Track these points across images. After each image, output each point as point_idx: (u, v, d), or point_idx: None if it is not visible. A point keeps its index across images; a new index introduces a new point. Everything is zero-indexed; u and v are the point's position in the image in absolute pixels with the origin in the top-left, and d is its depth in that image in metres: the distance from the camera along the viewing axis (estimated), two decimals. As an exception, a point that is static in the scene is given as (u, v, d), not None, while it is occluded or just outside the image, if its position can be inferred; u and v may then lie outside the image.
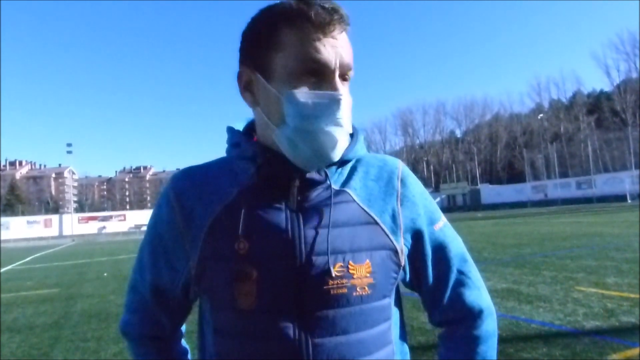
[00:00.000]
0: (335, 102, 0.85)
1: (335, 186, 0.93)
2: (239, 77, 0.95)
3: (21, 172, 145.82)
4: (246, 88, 0.94)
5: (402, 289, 1.03)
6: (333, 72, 0.86)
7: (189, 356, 1.13)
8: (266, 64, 0.89)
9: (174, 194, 0.96)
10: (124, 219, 66.24)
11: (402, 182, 0.97)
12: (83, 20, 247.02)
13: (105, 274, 13.37)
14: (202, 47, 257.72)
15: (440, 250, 0.99)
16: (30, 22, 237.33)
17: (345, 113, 0.86)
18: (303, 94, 0.85)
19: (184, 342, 1.13)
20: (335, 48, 0.86)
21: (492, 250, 12.75)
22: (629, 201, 46.87)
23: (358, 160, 0.98)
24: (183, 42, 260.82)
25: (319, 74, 0.86)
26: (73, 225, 63.11)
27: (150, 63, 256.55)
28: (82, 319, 7.30)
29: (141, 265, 1.03)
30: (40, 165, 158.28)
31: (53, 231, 61.63)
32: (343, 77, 0.89)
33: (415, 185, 1.00)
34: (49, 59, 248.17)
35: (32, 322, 7.28)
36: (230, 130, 1.00)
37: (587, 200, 54.18)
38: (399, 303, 1.00)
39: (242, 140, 0.95)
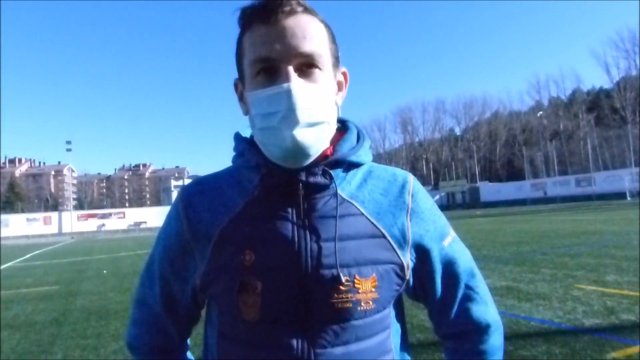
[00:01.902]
0: (284, 94, 0.82)
1: (343, 194, 0.91)
2: (235, 88, 0.98)
3: (20, 170, 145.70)
4: (241, 98, 0.96)
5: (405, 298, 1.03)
6: (281, 63, 0.84)
7: None
8: (241, 72, 0.92)
9: (182, 206, 0.96)
10: (123, 217, 66.28)
11: (413, 197, 0.96)
12: (82, 18, 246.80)
13: (104, 272, 13.38)
14: (201, 45, 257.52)
15: (449, 265, 0.98)
16: (30, 19, 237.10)
17: (303, 102, 0.82)
18: (256, 93, 0.86)
19: (189, 354, 1.13)
20: (282, 38, 0.84)
21: (492, 248, 12.77)
22: (629, 199, 46.92)
23: (368, 173, 0.97)
24: (182, 39, 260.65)
25: (270, 70, 0.85)
26: (72, 222, 63.15)
27: (149, 60, 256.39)
28: (81, 316, 7.30)
29: (151, 277, 1.03)
30: (39, 162, 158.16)
31: (52, 228, 61.68)
32: (307, 65, 0.86)
33: (426, 200, 0.99)
34: (48, 56, 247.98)
35: (32, 319, 7.28)
36: (237, 137, 0.99)
37: (587, 197, 54.24)
38: (401, 314, 1.00)
39: (246, 149, 0.95)
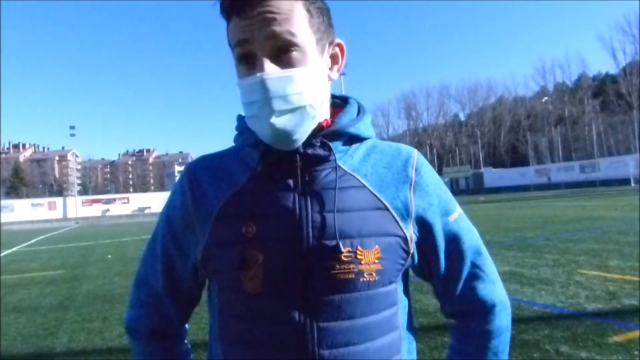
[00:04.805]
0: (257, 84, 0.82)
1: (345, 167, 0.91)
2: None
3: (25, 155, 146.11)
4: None
5: (410, 275, 1.02)
6: (256, 51, 0.84)
7: (191, 356, 1.11)
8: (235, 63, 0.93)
9: (187, 180, 0.97)
10: (128, 202, 66.57)
11: (417, 170, 0.95)
12: (85, 3, 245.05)
13: (109, 256, 13.51)
14: (205, 30, 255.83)
15: (454, 241, 0.97)
16: (33, 4, 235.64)
17: (276, 91, 0.82)
18: (239, 83, 0.87)
19: (187, 341, 1.12)
20: (253, 25, 0.83)
21: (495, 233, 12.78)
22: (633, 185, 46.75)
23: (371, 148, 0.97)
24: (186, 25, 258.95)
25: (248, 59, 0.85)
26: (77, 208, 63.48)
27: (153, 45, 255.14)
28: (87, 300, 7.39)
29: (153, 254, 1.03)
30: (43, 148, 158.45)
31: (57, 214, 62.04)
32: (283, 49, 0.84)
33: (430, 174, 0.98)
34: (51, 41, 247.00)
35: (37, 303, 7.37)
36: (239, 118, 1.00)
37: (591, 183, 54.09)
38: (407, 290, 0.99)
39: (245, 128, 0.95)
